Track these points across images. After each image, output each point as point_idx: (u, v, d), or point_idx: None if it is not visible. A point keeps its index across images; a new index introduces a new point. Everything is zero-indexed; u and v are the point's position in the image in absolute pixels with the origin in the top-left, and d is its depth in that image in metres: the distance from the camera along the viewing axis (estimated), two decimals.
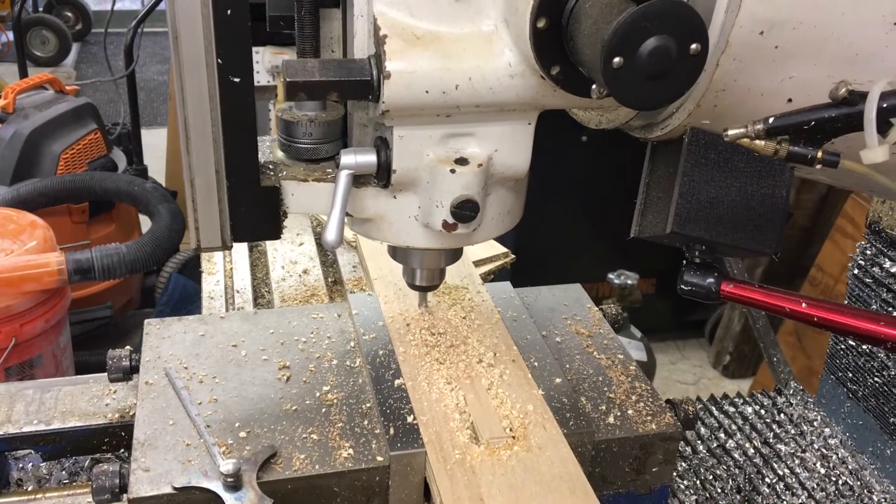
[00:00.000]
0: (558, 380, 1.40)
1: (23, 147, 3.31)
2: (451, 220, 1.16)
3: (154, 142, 5.15)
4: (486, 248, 2.03)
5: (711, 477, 1.90)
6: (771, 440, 2.00)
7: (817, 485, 1.86)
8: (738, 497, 1.84)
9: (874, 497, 1.84)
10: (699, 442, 2.01)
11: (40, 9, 9.04)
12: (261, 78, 2.78)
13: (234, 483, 1.15)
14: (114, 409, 1.42)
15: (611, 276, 3.52)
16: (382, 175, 1.17)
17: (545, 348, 1.49)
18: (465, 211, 1.15)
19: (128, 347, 1.44)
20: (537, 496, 1.16)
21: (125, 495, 1.18)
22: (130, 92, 3.96)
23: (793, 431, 2.03)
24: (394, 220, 1.22)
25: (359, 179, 1.19)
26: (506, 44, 1.07)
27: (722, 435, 2.02)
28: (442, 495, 1.15)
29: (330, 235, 1.15)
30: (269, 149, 1.29)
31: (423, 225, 1.21)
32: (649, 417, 1.36)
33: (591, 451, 1.31)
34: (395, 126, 1.12)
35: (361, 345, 1.45)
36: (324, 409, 1.32)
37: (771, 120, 0.93)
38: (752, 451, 1.97)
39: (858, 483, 1.87)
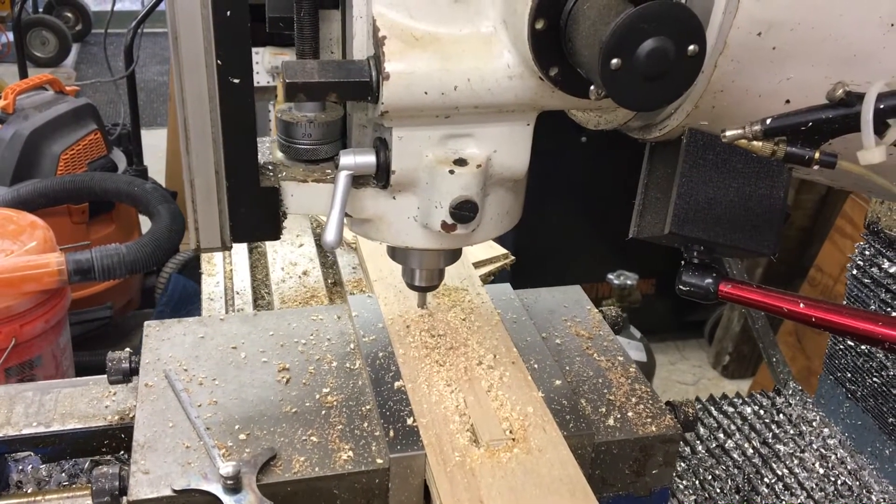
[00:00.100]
0: (558, 382, 1.40)
1: (23, 147, 3.31)
2: (450, 221, 1.16)
3: (154, 142, 5.16)
4: (486, 250, 2.03)
5: (710, 477, 1.90)
6: (770, 440, 2.00)
7: (816, 485, 1.87)
8: (737, 497, 1.84)
9: (873, 497, 1.84)
10: (698, 442, 2.01)
11: (40, 9, 9.04)
12: (260, 79, 2.78)
13: (234, 485, 1.15)
14: (113, 411, 1.42)
15: (610, 276, 3.52)
16: (381, 176, 1.17)
17: (545, 350, 1.49)
18: (464, 211, 1.15)
19: (127, 349, 1.44)
20: (537, 498, 1.16)
21: (125, 498, 1.18)
22: (130, 92, 3.96)
23: (792, 431, 2.04)
24: (393, 220, 1.22)
25: (358, 180, 1.19)
26: (504, 45, 1.07)
27: (721, 435, 2.03)
28: (442, 498, 1.15)
29: (329, 236, 1.15)
30: (268, 149, 1.29)
31: (422, 225, 1.21)
32: (649, 419, 1.36)
33: (590, 454, 1.31)
34: (394, 127, 1.12)
35: (361, 347, 1.45)
36: (323, 412, 1.32)
37: (769, 121, 0.93)
38: (751, 451, 1.97)
39: (857, 483, 1.87)
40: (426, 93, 1.06)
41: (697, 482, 1.88)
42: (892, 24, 0.93)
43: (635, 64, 0.89)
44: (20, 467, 1.48)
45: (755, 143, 0.94)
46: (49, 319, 2.60)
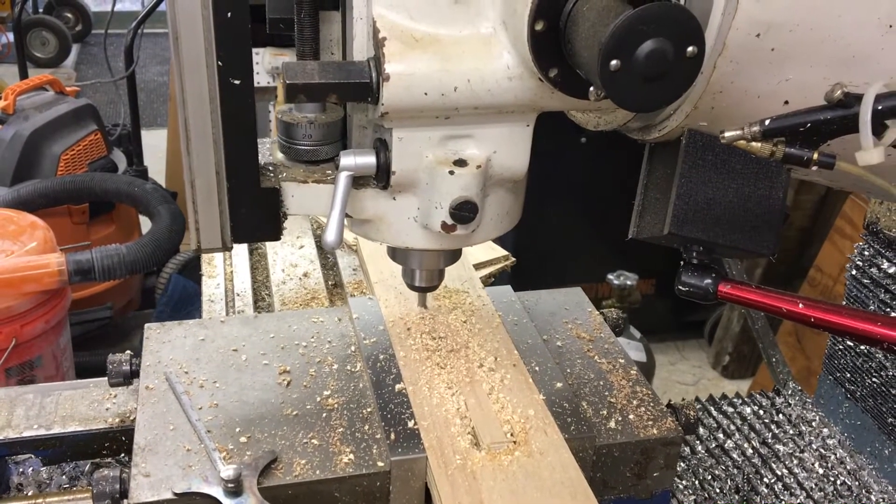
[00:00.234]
0: (559, 384, 1.40)
1: (23, 148, 3.31)
2: (450, 222, 1.16)
3: (154, 143, 5.16)
4: (486, 251, 2.03)
5: (710, 477, 1.90)
6: (769, 440, 2.00)
7: (815, 485, 1.87)
8: (737, 497, 1.84)
9: (872, 497, 1.84)
10: (698, 442, 2.01)
11: (40, 10, 9.04)
12: (261, 79, 2.78)
13: (235, 488, 1.15)
14: (114, 413, 1.42)
15: (610, 276, 3.52)
16: (382, 176, 1.17)
17: (546, 352, 1.48)
18: (464, 212, 1.15)
19: (128, 352, 1.44)
20: (538, 501, 1.16)
21: (125, 500, 1.18)
22: (130, 93, 3.97)
23: (791, 432, 2.04)
24: (393, 221, 1.22)
25: (358, 181, 1.19)
26: (504, 46, 1.07)
27: (721, 435, 2.03)
28: (443, 501, 1.15)
29: (329, 236, 1.15)
30: (269, 150, 1.29)
31: (422, 226, 1.21)
32: (650, 422, 1.36)
33: (592, 456, 1.31)
34: (394, 128, 1.12)
35: (362, 349, 1.45)
36: (324, 414, 1.32)
37: (767, 122, 0.93)
38: (750, 451, 1.97)
39: (857, 483, 1.87)
40: (426, 94, 1.06)
41: (697, 482, 1.88)
42: (891, 26, 0.94)
43: (634, 65, 0.89)
44: (21, 470, 1.48)
45: (754, 143, 0.94)
46: (49, 320, 2.60)
